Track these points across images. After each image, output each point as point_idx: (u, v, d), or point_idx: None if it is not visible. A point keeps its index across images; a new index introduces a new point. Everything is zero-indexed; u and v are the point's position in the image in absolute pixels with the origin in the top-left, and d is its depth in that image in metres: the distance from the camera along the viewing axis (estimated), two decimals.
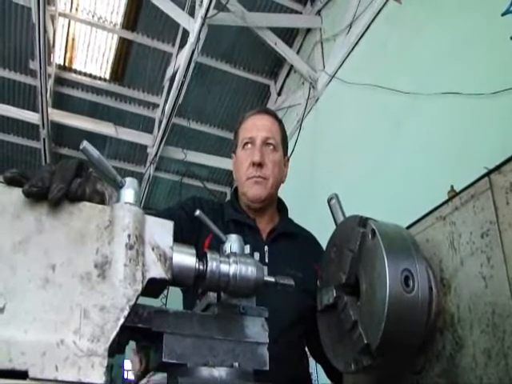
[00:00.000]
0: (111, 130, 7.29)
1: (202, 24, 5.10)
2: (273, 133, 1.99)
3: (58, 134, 7.82)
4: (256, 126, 1.99)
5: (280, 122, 2.08)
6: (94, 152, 0.86)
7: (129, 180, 0.90)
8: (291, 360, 1.77)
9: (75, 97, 7.37)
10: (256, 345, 1.01)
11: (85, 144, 0.85)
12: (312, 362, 1.98)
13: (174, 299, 2.14)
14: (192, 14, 5.43)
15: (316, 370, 3.49)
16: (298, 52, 6.38)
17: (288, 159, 2.10)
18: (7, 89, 7.13)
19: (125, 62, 6.97)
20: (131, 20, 6.42)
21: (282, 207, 2.09)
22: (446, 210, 1.08)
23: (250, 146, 1.96)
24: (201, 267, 0.95)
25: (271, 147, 1.96)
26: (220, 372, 0.94)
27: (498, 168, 0.95)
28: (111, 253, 0.81)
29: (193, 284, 0.95)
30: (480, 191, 0.99)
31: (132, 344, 0.95)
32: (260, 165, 1.90)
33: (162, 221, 0.90)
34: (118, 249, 0.81)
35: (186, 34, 5.72)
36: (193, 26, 5.29)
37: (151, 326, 0.92)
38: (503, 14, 2.02)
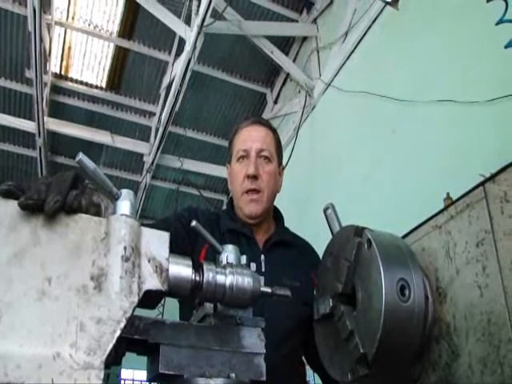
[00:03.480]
0: (107, 139, 7.29)
1: (199, 32, 5.11)
2: (267, 144, 1.98)
3: (54, 143, 7.82)
4: (250, 138, 1.99)
5: (274, 131, 2.07)
6: (90, 164, 0.86)
7: (125, 192, 0.90)
8: (288, 369, 1.76)
9: (71, 105, 7.37)
10: (253, 355, 1.01)
11: (81, 156, 0.85)
12: (309, 370, 1.98)
13: (170, 310, 2.14)
14: (188, 22, 5.44)
15: (313, 379, 3.48)
16: (294, 60, 6.41)
17: (283, 168, 2.10)
18: (3, 97, 7.12)
19: (121, 70, 6.98)
20: (127, 28, 6.44)
21: (278, 216, 2.08)
22: (442, 219, 1.09)
23: (244, 158, 1.96)
24: (197, 278, 0.95)
25: (266, 159, 1.96)
26: (217, 383, 0.94)
27: (492, 177, 0.96)
28: (107, 265, 0.81)
29: (189, 295, 0.95)
30: (475, 200, 0.99)
31: (129, 353, 0.95)
32: (255, 177, 1.90)
33: (158, 232, 0.90)
34: (114, 261, 0.81)
35: (182, 42, 5.74)
36: (189, 34, 5.30)
37: (148, 338, 0.91)
38: (497, 23, 2.03)
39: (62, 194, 0.82)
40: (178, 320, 1.02)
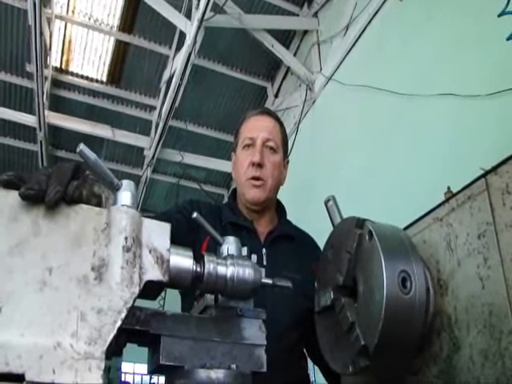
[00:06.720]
0: (108, 133, 7.29)
1: (199, 26, 5.10)
2: (273, 135, 1.99)
3: (55, 137, 7.82)
4: (257, 127, 1.99)
5: (281, 124, 2.09)
6: (91, 155, 0.86)
7: (125, 182, 0.89)
8: (289, 362, 1.77)
9: (72, 99, 7.37)
10: (253, 347, 1.01)
11: (81, 147, 0.85)
12: (309, 363, 1.98)
13: (171, 301, 2.14)
14: (189, 16, 5.44)
15: (314, 372, 3.49)
16: (294, 54, 6.40)
17: (288, 162, 2.10)
18: (4, 91, 7.12)
19: (122, 64, 6.98)
20: (128, 22, 6.43)
21: (280, 209, 2.09)
22: (443, 211, 1.08)
23: (250, 146, 1.96)
24: (198, 269, 0.95)
25: (271, 149, 1.96)
26: (218, 374, 0.94)
27: (494, 169, 0.95)
28: (108, 255, 0.81)
29: (190, 286, 0.95)
30: (476, 192, 0.99)
31: (129, 346, 0.95)
32: (259, 165, 1.91)
33: (159, 223, 0.90)
34: (115, 251, 0.81)
35: (182, 36, 5.73)
36: (189, 28, 5.29)
37: (149, 329, 0.91)
38: (499, 15, 2.02)
39: (62, 184, 0.82)
40: (179, 311, 1.02)
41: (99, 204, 0.89)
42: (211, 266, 0.96)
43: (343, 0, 5.34)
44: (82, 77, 7.16)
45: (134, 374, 10.82)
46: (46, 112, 6.72)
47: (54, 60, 6.81)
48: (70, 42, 6.69)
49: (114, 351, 0.85)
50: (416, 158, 3.68)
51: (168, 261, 0.88)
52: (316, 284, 1.31)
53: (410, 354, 1.08)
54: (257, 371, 0.99)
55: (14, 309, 0.71)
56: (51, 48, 6.51)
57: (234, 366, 0.96)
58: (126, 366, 10.19)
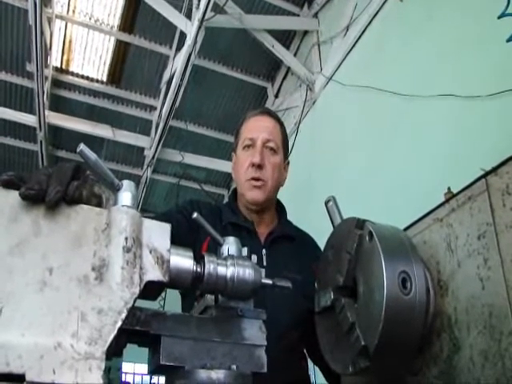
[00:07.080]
0: (108, 133, 7.29)
1: (199, 26, 5.10)
2: (274, 135, 1.98)
3: (56, 137, 7.82)
4: (257, 127, 1.99)
5: (282, 124, 2.08)
6: (91, 155, 0.86)
7: (126, 183, 0.89)
8: (290, 362, 1.77)
9: (72, 99, 7.37)
10: (254, 347, 1.01)
11: (82, 147, 0.85)
12: (310, 364, 1.98)
13: (171, 302, 2.14)
14: (189, 16, 5.44)
15: (314, 372, 3.49)
16: (295, 54, 6.40)
17: (288, 163, 2.10)
18: (4, 91, 7.13)
19: (122, 64, 6.98)
20: (128, 22, 6.43)
21: (280, 210, 2.08)
22: (443, 211, 1.08)
23: (250, 147, 1.96)
24: (198, 270, 0.95)
25: (271, 150, 1.96)
26: (218, 374, 0.94)
27: (494, 170, 0.95)
28: (108, 256, 0.81)
29: (190, 286, 0.95)
30: (477, 193, 0.99)
31: (129, 347, 0.95)
32: (260, 166, 1.90)
33: (159, 223, 0.90)
34: (116, 252, 0.81)
35: (183, 36, 5.73)
36: (190, 28, 5.30)
37: (149, 329, 0.91)
38: (499, 17, 2.02)
39: (62, 184, 0.82)
40: (179, 312, 1.02)
41: (99, 204, 0.89)
42: (211, 266, 0.96)
43: (343, 0, 5.34)
44: (82, 77, 7.16)
45: (134, 374, 10.83)
46: (47, 112, 6.73)
47: (55, 60, 6.81)
48: (70, 41, 6.69)
49: (115, 351, 0.85)
50: (416, 158, 3.68)
51: (168, 261, 0.88)
52: (316, 284, 1.31)
53: (410, 354, 1.08)
54: (257, 372, 0.99)
55: (15, 309, 0.71)
56: (51, 48, 6.51)
57: (234, 367, 0.96)
58: (126, 366, 10.20)
